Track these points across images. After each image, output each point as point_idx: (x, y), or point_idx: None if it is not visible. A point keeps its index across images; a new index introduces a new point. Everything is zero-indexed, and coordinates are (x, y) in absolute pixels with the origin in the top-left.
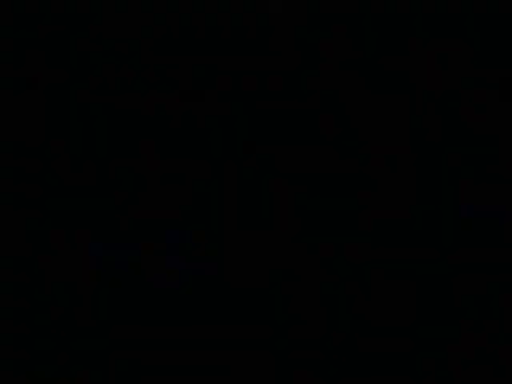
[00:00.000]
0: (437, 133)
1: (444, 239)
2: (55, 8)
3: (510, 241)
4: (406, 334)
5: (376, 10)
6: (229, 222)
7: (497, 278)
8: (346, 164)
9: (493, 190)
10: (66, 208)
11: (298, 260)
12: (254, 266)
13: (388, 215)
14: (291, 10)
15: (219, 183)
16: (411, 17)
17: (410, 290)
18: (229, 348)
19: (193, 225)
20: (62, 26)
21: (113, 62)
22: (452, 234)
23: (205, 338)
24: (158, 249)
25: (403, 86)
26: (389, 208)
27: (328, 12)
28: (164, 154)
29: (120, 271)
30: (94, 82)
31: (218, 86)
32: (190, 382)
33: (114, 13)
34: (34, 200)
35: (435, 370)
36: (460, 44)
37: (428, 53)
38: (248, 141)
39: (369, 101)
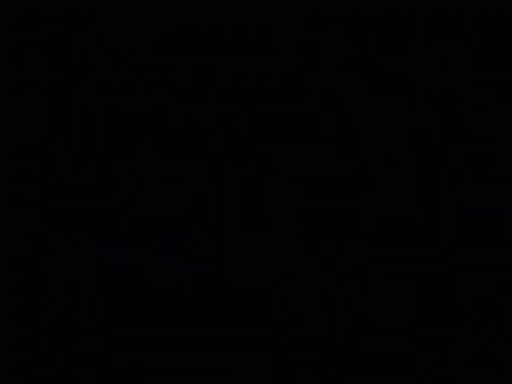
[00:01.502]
0: (437, 133)
1: (444, 239)
2: (55, 8)
3: (510, 241)
4: (405, 334)
5: (376, 9)
6: (229, 221)
7: (497, 278)
8: (345, 164)
9: (493, 190)
10: (66, 208)
11: (298, 260)
12: (253, 265)
13: (388, 215)
14: (291, 9)
15: (219, 183)
16: (411, 17)
17: (410, 290)
18: (229, 348)
19: (193, 225)
20: (62, 26)
21: (113, 62)
22: (452, 234)
23: (205, 338)
24: (158, 249)
25: (403, 86)
26: (389, 208)
27: (328, 12)
28: (164, 153)
29: (120, 271)
30: (93, 81)
31: (218, 86)
32: (189, 382)
33: (114, 13)
34: (34, 200)
35: (435, 370)
36: (460, 44)
37: (428, 53)
38: (248, 141)
39: (369, 101)
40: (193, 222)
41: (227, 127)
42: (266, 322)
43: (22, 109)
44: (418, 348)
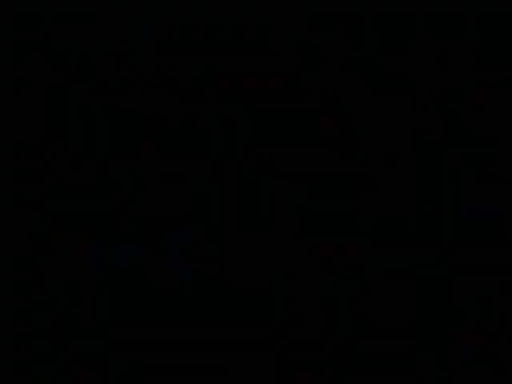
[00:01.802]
0: (437, 133)
1: (444, 239)
2: (55, 8)
3: (510, 241)
4: (405, 333)
5: (376, 9)
6: (229, 221)
7: (497, 278)
8: (345, 164)
9: (493, 189)
10: (66, 208)
11: (298, 260)
12: (254, 265)
13: (388, 215)
14: (291, 9)
15: (219, 183)
16: (411, 17)
17: (410, 290)
18: (229, 348)
19: (193, 225)
20: (62, 25)
21: (113, 62)
22: (452, 234)
23: (205, 337)
24: (158, 249)
25: (403, 85)
26: (389, 208)
27: (328, 12)
28: (164, 154)
29: (120, 271)
30: (94, 81)
31: (218, 86)
32: (190, 382)
33: (113, 13)
34: (34, 200)
35: (435, 370)
36: (460, 44)
37: (428, 53)
38: (248, 141)
39: (369, 101)
40: (193, 221)
41: (227, 127)
42: (265, 321)
43: (22, 109)
44: (418, 348)
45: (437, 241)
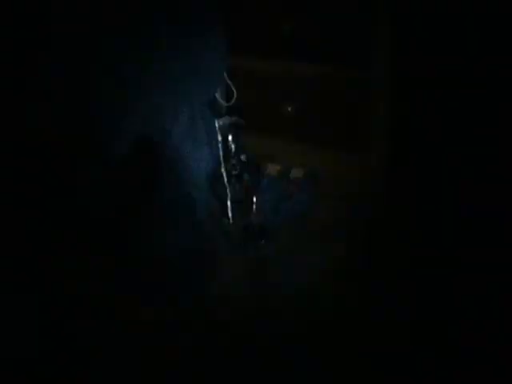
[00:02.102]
0: (437, 133)
1: (444, 239)
2: (55, 8)
3: (510, 241)
4: (406, 333)
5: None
6: None
7: (497, 278)
8: (345, 163)
9: (493, 189)
10: (66, 208)
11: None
12: None
13: (388, 215)
14: None
15: None
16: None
17: (410, 290)
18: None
19: None
20: (62, 25)
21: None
22: (452, 234)
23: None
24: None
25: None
26: (389, 208)
27: None
28: None
29: None
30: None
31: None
32: (190, 382)
33: (113, 13)
34: (34, 200)
35: (435, 370)
36: (460, 44)
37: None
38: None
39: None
40: None
41: None
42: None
43: (22, 109)
44: (418, 348)
45: (437, 241)
